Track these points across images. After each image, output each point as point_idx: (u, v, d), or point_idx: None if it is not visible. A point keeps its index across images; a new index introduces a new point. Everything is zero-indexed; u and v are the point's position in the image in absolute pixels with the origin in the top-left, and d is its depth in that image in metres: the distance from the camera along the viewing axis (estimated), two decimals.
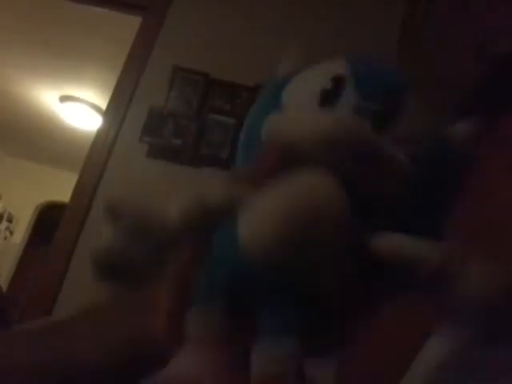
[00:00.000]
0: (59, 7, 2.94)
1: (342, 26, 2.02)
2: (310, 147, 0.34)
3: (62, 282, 1.71)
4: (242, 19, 2.04)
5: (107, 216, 0.36)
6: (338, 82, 0.39)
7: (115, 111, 1.94)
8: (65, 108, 4.39)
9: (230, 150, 1.83)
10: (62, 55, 3.60)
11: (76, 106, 4.29)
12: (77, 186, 1.88)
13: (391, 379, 0.65)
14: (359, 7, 2.04)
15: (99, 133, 1.95)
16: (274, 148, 0.36)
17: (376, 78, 0.40)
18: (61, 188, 5.01)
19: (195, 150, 1.83)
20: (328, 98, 0.38)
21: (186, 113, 1.89)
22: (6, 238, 5.84)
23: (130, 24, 2.14)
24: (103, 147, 1.89)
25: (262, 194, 0.33)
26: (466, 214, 0.85)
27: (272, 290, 0.33)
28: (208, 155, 1.83)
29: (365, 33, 2.00)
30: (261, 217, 0.32)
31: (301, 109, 0.40)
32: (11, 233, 5.92)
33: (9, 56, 3.73)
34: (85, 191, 1.82)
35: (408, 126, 0.37)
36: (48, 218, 5.70)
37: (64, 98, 4.27)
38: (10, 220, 5.86)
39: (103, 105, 3.62)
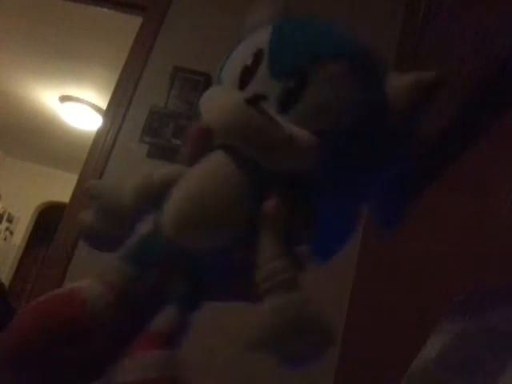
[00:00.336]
0: (59, 7, 2.94)
1: (341, 26, 2.02)
2: (215, 131, 0.38)
3: (62, 282, 1.71)
4: (242, 19, 2.04)
5: (86, 197, 0.41)
6: (257, 57, 0.41)
7: (115, 111, 1.94)
8: (65, 108, 4.39)
9: None
10: (62, 55, 3.60)
11: (76, 107, 4.29)
12: (77, 187, 1.88)
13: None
14: (359, 7, 2.04)
15: (99, 133, 1.95)
16: (198, 127, 0.40)
17: (289, 51, 0.40)
18: (61, 188, 5.01)
19: None
20: (246, 75, 0.40)
21: (187, 113, 1.89)
22: (5, 239, 5.84)
23: (130, 24, 2.14)
24: (103, 147, 1.89)
25: (186, 174, 0.38)
26: (466, 204, 0.85)
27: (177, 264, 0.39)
28: None
29: (365, 33, 2.00)
30: (175, 197, 0.37)
31: (226, 86, 0.43)
32: (11, 233, 5.92)
33: (9, 56, 3.73)
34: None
35: (320, 98, 0.37)
36: (48, 219, 5.70)
37: (64, 99, 4.27)
38: (9, 220, 5.86)
39: (103, 105, 3.61)
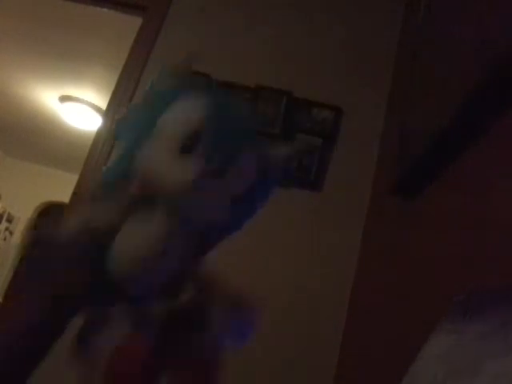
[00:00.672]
0: (59, 8, 2.94)
1: (341, 26, 2.02)
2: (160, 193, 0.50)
3: None
4: (242, 19, 2.04)
5: None
6: (195, 135, 0.51)
7: (115, 111, 1.94)
8: (65, 108, 4.39)
9: None
10: (62, 55, 3.60)
11: (76, 107, 4.29)
12: (77, 187, 1.88)
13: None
14: (359, 7, 2.04)
15: (99, 133, 1.94)
16: (141, 180, 0.50)
17: (225, 133, 0.52)
18: (60, 188, 5.00)
19: None
20: (186, 147, 0.50)
21: None
22: (5, 239, 5.84)
23: (130, 24, 2.14)
24: (103, 148, 1.89)
25: (126, 225, 0.49)
26: (467, 205, 0.85)
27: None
28: None
29: (365, 32, 2.00)
30: (118, 248, 0.48)
31: (166, 148, 0.52)
32: (11, 233, 5.91)
33: (9, 56, 3.73)
34: (85, 192, 1.81)
35: (238, 175, 0.51)
36: (48, 219, 5.69)
37: (64, 99, 4.27)
38: (9, 220, 5.86)
39: (103, 105, 3.61)
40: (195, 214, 0.49)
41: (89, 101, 4.21)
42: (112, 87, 2.01)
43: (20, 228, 5.97)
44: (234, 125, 0.53)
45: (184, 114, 0.54)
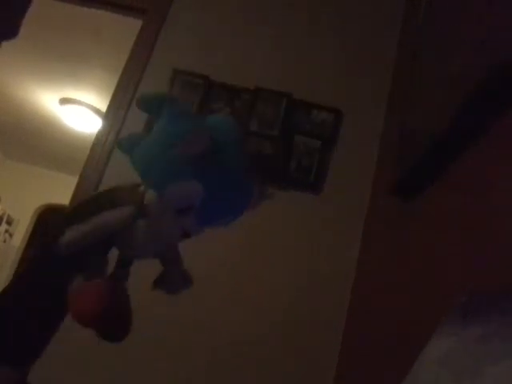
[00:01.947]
0: (59, 10, 2.94)
1: (341, 27, 2.02)
2: None
3: None
4: (242, 22, 2.04)
5: None
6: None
7: (115, 114, 1.94)
8: (65, 111, 4.39)
9: None
10: (62, 58, 3.60)
11: (76, 109, 4.29)
12: (76, 189, 1.88)
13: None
14: (360, 7, 2.04)
15: (99, 135, 1.94)
16: None
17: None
18: (60, 191, 5.00)
19: None
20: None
21: None
22: (5, 241, 5.83)
23: (130, 27, 2.14)
24: (103, 150, 1.89)
25: None
26: (467, 203, 0.84)
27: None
28: None
29: (365, 32, 2.00)
30: None
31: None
32: (10, 235, 5.91)
33: (9, 58, 3.73)
34: (84, 194, 1.81)
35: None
36: (47, 221, 5.69)
37: (64, 101, 4.27)
38: (9, 223, 5.85)
39: (103, 107, 3.61)
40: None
41: (89, 103, 4.21)
42: (112, 89, 2.01)
43: (20, 230, 5.96)
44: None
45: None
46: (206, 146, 0.52)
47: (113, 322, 0.55)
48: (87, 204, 0.59)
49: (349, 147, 1.87)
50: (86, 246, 0.56)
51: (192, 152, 0.52)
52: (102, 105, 3.97)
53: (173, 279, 0.61)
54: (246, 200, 0.59)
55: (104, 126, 1.95)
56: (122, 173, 1.85)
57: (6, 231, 5.83)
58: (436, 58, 1.08)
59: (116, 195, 0.59)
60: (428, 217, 1.08)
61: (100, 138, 1.93)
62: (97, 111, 4.22)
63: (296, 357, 1.64)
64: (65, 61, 3.63)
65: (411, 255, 1.13)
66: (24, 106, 4.53)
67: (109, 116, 1.96)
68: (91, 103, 4.20)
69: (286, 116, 1.87)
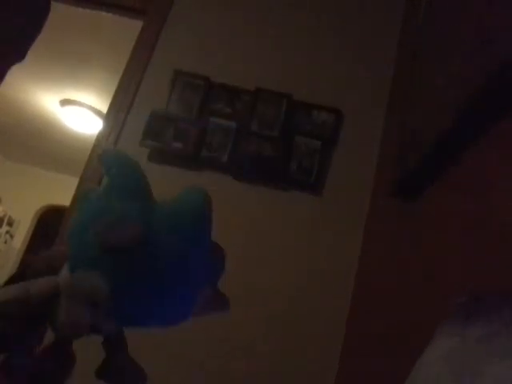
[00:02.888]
0: (60, 11, 2.95)
1: (341, 27, 2.02)
2: None
3: None
4: (242, 22, 2.04)
5: None
6: None
7: (116, 115, 1.94)
8: (65, 112, 4.40)
9: (231, 153, 1.83)
10: (63, 59, 3.61)
11: (77, 110, 4.30)
12: (77, 190, 1.88)
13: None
14: (360, 7, 2.04)
15: (100, 136, 1.94)
16: None
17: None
18: (61, 192, 5.01)
19: (196, 154, 1.82)
20: None
21: (187, 116, 1.89)
22: (6, 242, 5.84)
23: (130, 28, 2.14)
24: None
25: None
26: (467, 205, 0.84)
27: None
28: (208, 158, 1.83)
29: (365, 32, 2.00)
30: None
31: None
32: (11, 236, 5.91)
33: None
34: None
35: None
36: (48, 222, 5.70)
37: (64, 102, 4.28)
38: (10, 224, 5.86)
39: (104, 109, 3.62)
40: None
41: (89, 104, 4.22)
42: (113, 91, 2.01)
43: (21, 231, 5.97)
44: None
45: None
46: (132, 238, 0.43)
47: None
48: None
49: (349, 148, 1.87)
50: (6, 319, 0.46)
51: (110, 242, 0.43)
52: (103, 106, 3.98)
53: (119, 370, 0.48)
54: (182, 310, 0.47)
55: (105, 127, 1.95)
56: None
57: (7, 232, 5.84)
58: (436, 58, 1.08)
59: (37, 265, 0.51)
60: (428, 217, 1.08)
61: (101, 139, 1.93)
62: (97, 112, 4.23)
63: (296, 357, 1.64)
64: (65, 62, 3.64)
65: (411, 255, 1.12)
66: (25, 107, 4.54)
67: (109, 117, 1.96)
68: (92, 104, 4.21)
69: (287, 117, 1.87)
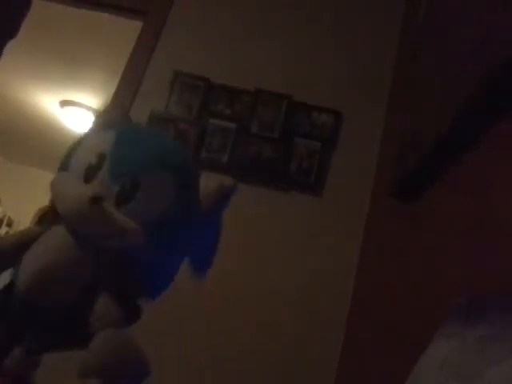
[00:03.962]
0: (60, 12, 2.95)
1: (341, 27, 2.02)
2: (64, 219, 0.56)
3: None
4: (242, 24, 2.04)
5: None
6: (101, 158, 0.57)
7: None
8: (65, 113, 4.39)
9: (230, 154, 1.83)
10: (63, 60, 3.60)
11: (76, 111, 4.29)
12: None
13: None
14: (360, 7, 2.04)
15: None
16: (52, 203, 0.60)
17: (126, 159, 0.57)
18: None
19: (196, 155, 1.82)
20: (90, 173, 0.57)
21: (187, 117, 1.89)
22: None
23: (130, 29, 2.14)
24: None
25: (35, 245, 0.57)
26: (467, 204, 0.84)
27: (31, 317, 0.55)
28: (208, 159, 1.83)
29: (365, 32, 2.00)
30: (25, 267, 0.54)
31: (73, 176, 0.60)
32: None
33: (9, 61, 3.74)
34: None
35: (147, 199, 0.56)
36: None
37: (64, 103, 4.27)
38: (9, 225, 5.86)
39: None
40: (92, 234, 0.55)
41: (89, 105, 4.22)
42: (112, 92, 2.01)
43: None
44: (135, 152, 0.57)
45: (91, 146, 0.61)
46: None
47: None
48: None
49: (349, 148, 1.87)
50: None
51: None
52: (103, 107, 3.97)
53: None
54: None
55: None
56: None
57: (7, 233, 5.84)
58: (436, 58, 1.08)
59: None
60: (428, 217, 1.07)
61: None
62: (97, 113, 4.22)
63: (297, 357, 1.64)
64: (65, 63, 3.64)
65: (411, 256, 1.12)
66: (24, 108, 4.53)
67: None
68: (91, 105, 4.21)
69: (287, 118, 1.87)
